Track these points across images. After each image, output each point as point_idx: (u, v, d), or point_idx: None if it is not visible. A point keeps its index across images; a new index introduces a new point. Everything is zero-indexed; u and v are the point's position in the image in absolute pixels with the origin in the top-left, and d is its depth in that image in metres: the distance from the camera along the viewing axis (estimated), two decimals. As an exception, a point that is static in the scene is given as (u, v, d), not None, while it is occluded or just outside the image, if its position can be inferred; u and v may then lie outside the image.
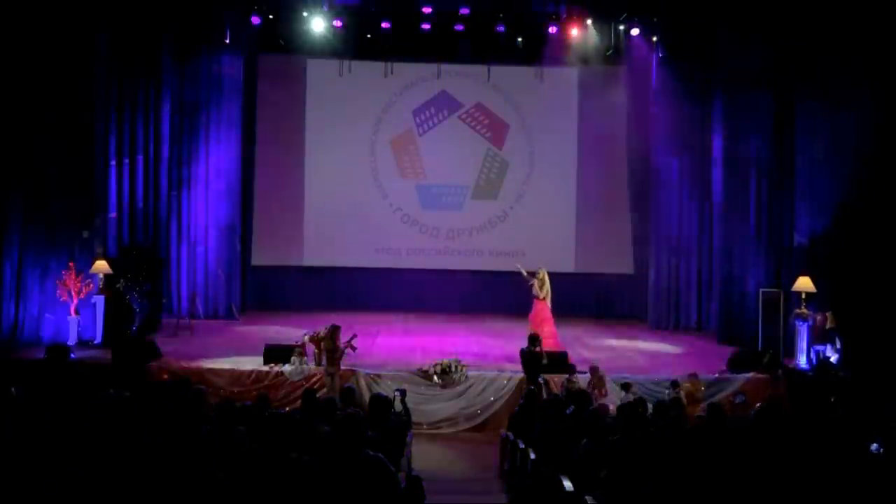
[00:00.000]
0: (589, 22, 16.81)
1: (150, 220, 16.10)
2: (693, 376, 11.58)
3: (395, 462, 6.30)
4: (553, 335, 13.60)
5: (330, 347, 11.37)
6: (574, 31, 16.82)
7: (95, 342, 13.62)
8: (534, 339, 11.83)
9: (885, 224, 13.49)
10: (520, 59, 18.07)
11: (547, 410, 8.48)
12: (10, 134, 13.68)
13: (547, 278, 13.83)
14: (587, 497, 5.62)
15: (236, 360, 12.71)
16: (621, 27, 16.91)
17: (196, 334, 15.05)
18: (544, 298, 13.74)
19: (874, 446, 6.55)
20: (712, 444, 5.85)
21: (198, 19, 16.18)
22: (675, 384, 11.26)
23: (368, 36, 17.31)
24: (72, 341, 13.41)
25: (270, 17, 16.63)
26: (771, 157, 15.38)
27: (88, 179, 14.41)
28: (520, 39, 17.39)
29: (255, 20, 16.62)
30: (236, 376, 11.99)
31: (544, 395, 10.45)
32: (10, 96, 13.58)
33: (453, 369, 12.08)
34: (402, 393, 10.38)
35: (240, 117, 17.30)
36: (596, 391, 11.10)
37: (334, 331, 11.42)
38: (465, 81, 18.99)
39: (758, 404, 6.63)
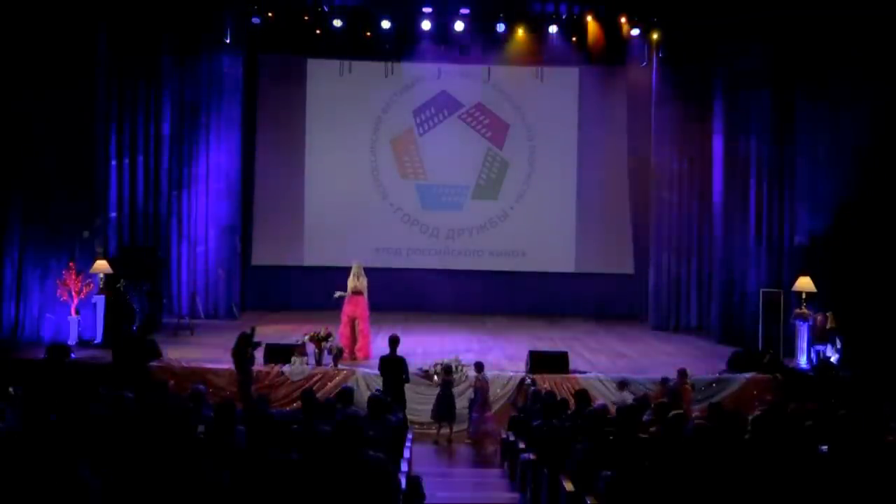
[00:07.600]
0: (589, 20, 16.83)
1: (150, 220, 16.11)
2: (682, 374, 11.47)
3: (395, 462, 6.30)
4: (342, 331, 13.25)
5: (237, 353, 11.13)
6: (574, 31, 16.83)
7: (96, 342, 13.61)
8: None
9: (885, 224, 13.52)
10: (520, 59, 18.05)
11: (547, 411, 8.47)
12: (11, 134, 13.69)
13: (354, 271, 13.50)
14: (587, 498, 5.62)
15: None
16: (621, 27, 16.91)
17: (196, 334, 15.04)
18: (351, 293, 13.41)
19: None
20: (712, 444, 5.84)
21: (198, 19, 16.16)
22: (664, 381, 11.22)
23: (368, 35, 17.29)
24: (72, 341, 13.41)
25: (270, 16, 16.64)
26: (771, 157, 15.38)
27: (88, 179, 14.43)
28: (520, 38, 17.35)
29: (255, 20, 16.63)
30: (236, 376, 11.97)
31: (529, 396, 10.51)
32: (10, 96, 13.60)
33: (454, 369, 12.06)
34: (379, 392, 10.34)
35: (240, 117, 17.27)
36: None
37: (243, 338, 11.15)
38: (465, 81, 18.96)
39: (757, 404, 6.63)
